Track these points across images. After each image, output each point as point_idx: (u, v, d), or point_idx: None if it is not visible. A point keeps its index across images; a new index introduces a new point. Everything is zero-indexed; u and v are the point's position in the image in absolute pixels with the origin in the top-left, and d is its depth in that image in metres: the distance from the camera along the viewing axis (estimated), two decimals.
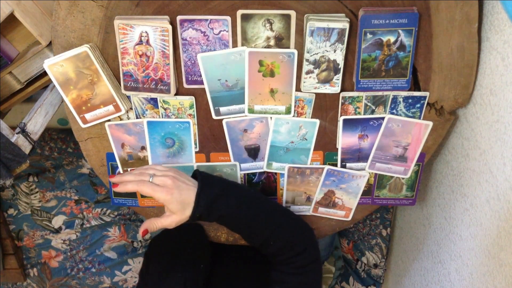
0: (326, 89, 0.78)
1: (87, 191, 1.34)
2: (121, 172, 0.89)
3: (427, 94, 0.79)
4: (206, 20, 0.74)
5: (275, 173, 0.90)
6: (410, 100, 0.80)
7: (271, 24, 0.74)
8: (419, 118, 0.81)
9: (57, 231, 1.37)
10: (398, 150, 0.84)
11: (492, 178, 0.73)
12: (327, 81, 0.77)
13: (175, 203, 0.68)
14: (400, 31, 0.72)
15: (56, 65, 0.75)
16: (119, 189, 0.69)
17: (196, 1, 0.73)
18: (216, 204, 0.71)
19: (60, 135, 1.33)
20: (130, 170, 0.88)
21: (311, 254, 0.76)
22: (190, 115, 0.83)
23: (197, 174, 0.74)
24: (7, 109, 0.93)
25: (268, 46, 0.76)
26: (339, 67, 0.75)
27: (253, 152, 0.87)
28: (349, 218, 0.94)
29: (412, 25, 0.71)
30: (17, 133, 0.82)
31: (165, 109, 0.83)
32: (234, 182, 0.80)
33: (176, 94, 0.81)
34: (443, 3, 0.71)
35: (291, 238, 0.75)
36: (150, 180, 0.69)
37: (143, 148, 0.87)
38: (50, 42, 0.79)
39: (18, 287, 1.45)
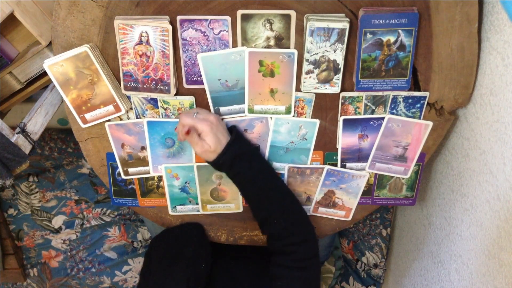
0: (326, 89, 0.78)
1: (87, 191, 1.34)
2: (121, 172, 0.89)
3: (427, 94, 0.79)
4: (206, 20, 0.74)
5: None
6: (410, 100, 0.79)
7: (271, 24, 0.74)
8: (419, 118, 0.81)
9: (57, 231, 1.37)
10: (398, 150, 0.84)
11: (492, 178, 0.73)
12: (327, 81, 0.77)
13: (212, 136, 0.74)
14: (400, 31, 0.72)
15: (56, 65, 0.75)
16: (179, 135, 0.76)
17: (196, 1, 0.73)
18: (239, 161, 0.76)
19: (60, 135, 1.33)
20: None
21: (312, 248, 0.78)
22: None
23: (233, 129, 0.80)
24: (7, 109, 0.93)
25: (268, 46, 0.76)
26: (339, 67, 0.75)
27: None
28: (349, 218, 0.94)
29: (412, 25, 0.71)
30: (17, 133, 0.82)
31: (165, 109, 0.83)
32: (261, 153, 0.85)
33: (176, 94, 0.81)
34: (443, 3, 0.71)
35: (294, 223, 0.78)
36: (194, 116, 0.75)
37: (143, 148, 0.87)
38: (50, 42, 0.79)
39: (18, 287, 1.45)
